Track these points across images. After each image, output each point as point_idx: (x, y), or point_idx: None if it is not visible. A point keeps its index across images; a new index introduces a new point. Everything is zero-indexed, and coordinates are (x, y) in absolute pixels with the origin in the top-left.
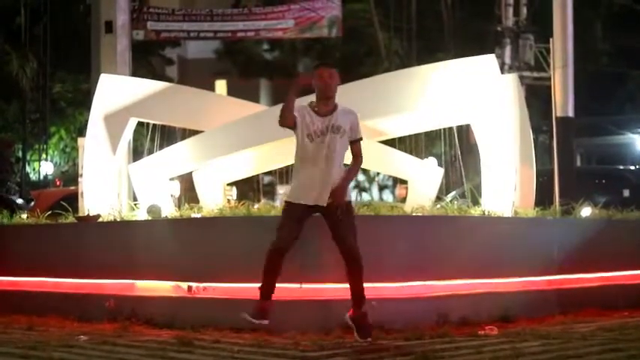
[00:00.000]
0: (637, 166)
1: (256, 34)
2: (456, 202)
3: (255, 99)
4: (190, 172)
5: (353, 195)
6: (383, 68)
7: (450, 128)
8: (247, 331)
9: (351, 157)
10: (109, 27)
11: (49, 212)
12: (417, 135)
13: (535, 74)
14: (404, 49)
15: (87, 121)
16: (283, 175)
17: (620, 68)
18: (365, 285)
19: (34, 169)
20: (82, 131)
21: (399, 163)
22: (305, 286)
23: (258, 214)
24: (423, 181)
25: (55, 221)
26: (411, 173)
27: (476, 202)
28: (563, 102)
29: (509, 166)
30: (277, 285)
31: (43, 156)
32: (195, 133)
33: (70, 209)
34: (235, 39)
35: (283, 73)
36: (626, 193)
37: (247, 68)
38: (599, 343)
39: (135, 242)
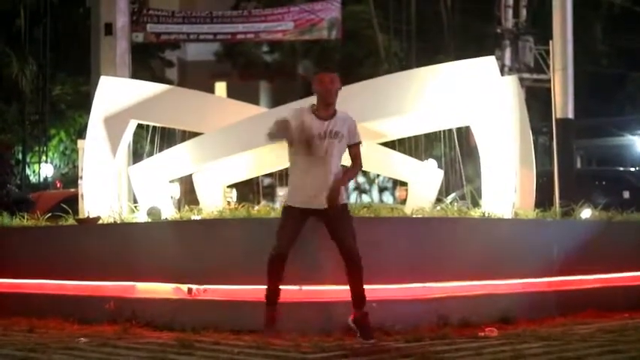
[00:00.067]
0: (637, 168)
1: (256, 36)
2: (455, 204)
3: (255, 101)
4: (190, 175)
5: (353, 197)
6: (383, 70)
7: (450, 130)
8: (247, 333)
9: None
10: (109, 29)
11: (49, 214)
12: (416, 137)
13: (535, 76)
14: (403, 51)
15: (87, 123)
16: (283, 177)
17: (620, 70)
18: (365, 287)
19: (34, 172)
20: (81, 133)
21: (399, 165)
22: (305, 288)
23: (258, 216)
24: (422, 183)
25: (55, 223)
26: (411, 175)
27: (476, 203)
28: (562, 104)
29: (509, 168)
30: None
31: (43, 158)
32: (195, 135)
33: (70, 211)
34: (235, 41)
35: (283, 74)
36: (626, 194)
37: (247, 70)
38: (599, 345)
39: (135, 244)
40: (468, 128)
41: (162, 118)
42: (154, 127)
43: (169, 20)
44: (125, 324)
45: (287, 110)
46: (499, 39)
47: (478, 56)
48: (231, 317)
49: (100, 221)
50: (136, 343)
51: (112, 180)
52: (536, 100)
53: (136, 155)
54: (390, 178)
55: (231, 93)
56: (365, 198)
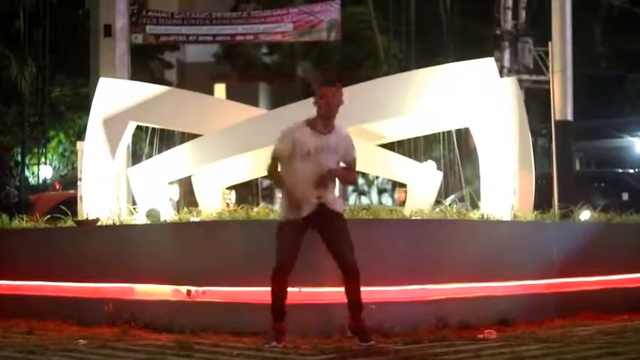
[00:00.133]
0: (636, 170)
1: (255, 38)
2: (455, 206)
3: (254, 102)
4: (189, 176)
5: (352, 198)
6: (382, 71)
7: (449, 132)
8: (246, 335)
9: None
10: (108, 31)
11: (48, 216)
12: (416, 138)
13: (534, 77)
14: (403, 53)
15: (86, 125)
16: None
17: (619, 71)
18: (364, 289)
19: (33, 173)
20: (81, 135)
21: (398, 167)
22: (304, 290)
23: (257, 218)
24: (422, 185)
25: (54, 225)
26: (410, 177)
27: (475, 205)
28: (562, 105)
29: (508, 170)
30: None
31: (42, 160)
32: (194, 136)
33: (69, 213)
34: (234, 42)
35: (282, 76)
36: (625, 196)
37: (246, 72)
38: (598, 347)
39: (134, 246)
40: (467, 130)
41: (161, 119)
42: (153, 129)
43: (168, 22)
44: (124, 326)
45: (282, 116)
46: (498, 40)
47: (477, 58)
48: (230, 319)
49: (99, 223)
50: (134, 345)
51: (111, 182)
52: (536, 101)
53: (135, 157)
54: (389, 180)
55: (231, 94)
56: (364, 200)
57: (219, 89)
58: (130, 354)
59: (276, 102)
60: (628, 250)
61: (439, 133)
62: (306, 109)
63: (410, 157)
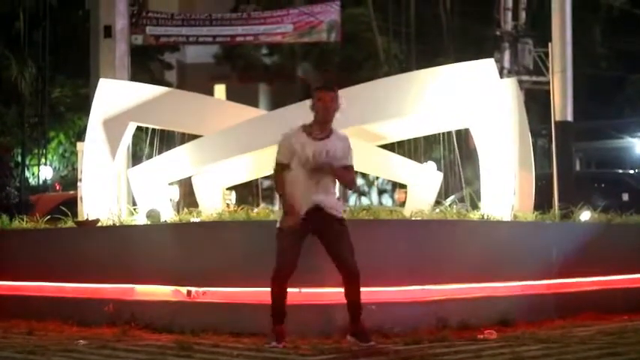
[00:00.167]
0: (636, 170)
1: (255, 39)
2: (455, 207)
3: (254, 103)
4: (189, 177)
5: (352, 199)
6: (382, 72)
7: (449, 132)
8: (247, 336)
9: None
10: (108, 32)
11: (49, 217)
12: (416, 139)
13: (534, 78)
14: (403, 54)
15: (86, 125)
16: None
17: (619, 72)
18: (364, 289)
19: (33, 174)
20: (81, 136)
21: (399, 168)
22: (304, 290)
23: (258, 219)
24: (422, 186)
25: (54, 226)
26: (410, 177)
27: (475, 206)
28: (562, 106)
29: (508, 171)
30: None
31: (42, 161)
32: (194, 137)
33: (70, 214)
34: (234, 43)
35: (282, 77)
36: (625, 197)
37: (246, 73)
38: (598, 347)
39: (134, 247)
40: (467, 131)
41: (161, 120)
42: (153, 130)
43: (168, 23)
44: (124, 326)
45: (282, 117)
46: (498, 41)
47: (477, 59)
48: (230, 320)
49: (99, 224)
50: (135, 346)
51: (111, 182)
52: (536, 102)
53: (135, 158)
54: (389, 181)
55: (231, 95)
56: (364, 200)
57: (219, 90)
58: (130, 354)
59: (276, 103)
60: (628, 251)
61: (439, 133)
62: (306, 110)
63: (410, 157)
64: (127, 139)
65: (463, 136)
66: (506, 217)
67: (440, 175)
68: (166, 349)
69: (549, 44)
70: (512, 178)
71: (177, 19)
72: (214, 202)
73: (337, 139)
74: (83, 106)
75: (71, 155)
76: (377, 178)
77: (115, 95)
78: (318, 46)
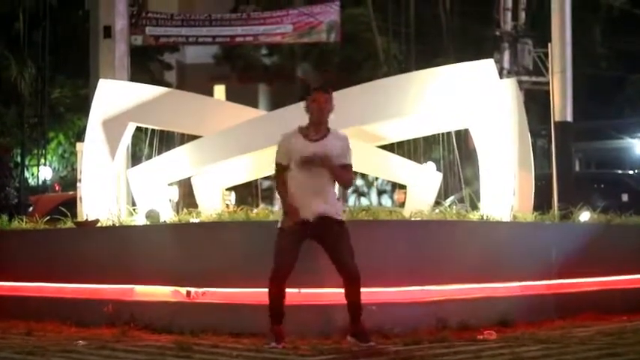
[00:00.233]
0: (636, 171)
1: (255, 39)
2: (454, 207)
3: (253, 104)
4: (189, 177)
5: (351, 200)
6: (382, 73)
7: (449, 133)
8: (246, 336)
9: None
10: (108, 32)
11: (48, 217)
12: (415, 140)
13: (533, 79)
14: (403, 54)
15: (86, 126)
16: None
17: (619, 72)
18: (364, 290)
19: (32, 174)
20: (80, 136)
21: (398, 168)
22: (304, 290)
23: (257, 219)
24: (421, 186)
25: (53, 226)
26: (410, 178)
27: (474, 206)
28: (561, 106)
29: (507, 171)
30: None
31: (42, 161)
32: (193, 138)
33: (69, 214)
34: (234, 44)
35: (282, 77)
36: (625, 197)
37: (246, 73)
38: (598, 348)
39: (133, 247)
40: (466, 131)
41: (160, 120)
42: (153, 130)
43: (168, 23)
44: (123, 327)
45: (282, 118)
46: (498, 42)
47: (477, 59)
48: (230, 320)
49: (99, 224)
50: (134, 346)
51: (111, 183)
52: (535, 102)
53: (135, 158)
54: (388, 181)
55: (230, 96)
56: (363, 201)
57: (219, 90)
58: (129, 355)
59: (275, 103)
60: (627, 251)
61: (439, 134)
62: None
63: (409, 158)
64: (126, 139)
65: (463, 136)
66: (506, 217)
67: (439, 176)
68: (166, 350)
69: (549, 44)
70: (511, 178)
71: (176, 20)
72: (214, 203)
73: (335, 138)
74: (83, 106)
75: (71, 156)
76: (376, 178)
77: (115, 96)
78: (318, 46)
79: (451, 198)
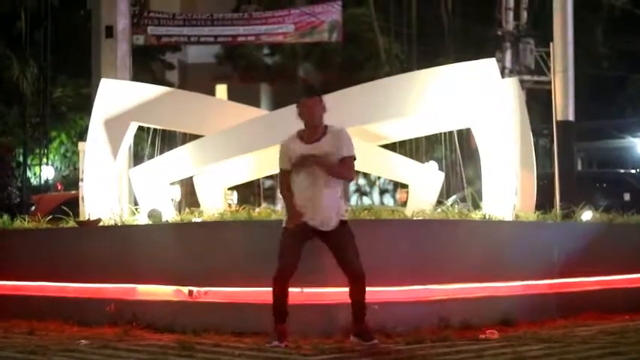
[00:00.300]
0: (638, 170)
1: (257, 39)
2: (456, 206)
3: (255, 103)
4: (191, 177)
5: (353, 199)
6: (383, 73)
7: (451, 132)
8: (248, 335)
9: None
10: (110, 32)
11: (50, 217)
12: (417, 139)
13: (535, 78)
14: (404, 54)
15: (88, 125)
16: None
17: (621, 72)
18: (366, 289)
19: (34, 174)
20: (82, 136)
21: (400, 168)
22: (306, 290)
23: (259, 219)
24: (423, 185)
25: (55, 226)
26: (412, 177)
27: (476, 206)
28: (563, 106)
29: (509, 170)
30: None
31: (44, 160)
32: (195, 137)
33: (71, 214)
34: (236, 43)
35: (284, 77)
36: (627, 196)
37: (248, 73)
38: (600, 347)
39: (136, 246)
40: (468, 130)
41: (162, 120)
42: (155, 130)
43: (170, 23)
44: (126, 326)
45: (284, 117)
46: (500, 41)
47: (479, 58)
48: (232, 319)
49: (101, 223)
50: (136, 346)
51: (113, 182)
52: (537, 102)
53: (137, 157)
54: (390, 181)
55: (232, 95)
56: (366, 200)
57: (221, 90)
58: (131, 354)
59: (277, 103)
60: (630, 251)
61: (441, 133)
62: None
63: (411, 157)
64: (128, 138)
65: (465, 135)
66: (508, 216)
67: (441, 175)
68: (168, 349)
69: (551, 44)
70: (513, 177)
71: (178, 19)
72: (216, 202)
73: (331, 136)
74: (85, 106)
75: (73, 155)
76: (378, 178)
77: (117, 95)
78: (320, 46)
79: (453, 197)
